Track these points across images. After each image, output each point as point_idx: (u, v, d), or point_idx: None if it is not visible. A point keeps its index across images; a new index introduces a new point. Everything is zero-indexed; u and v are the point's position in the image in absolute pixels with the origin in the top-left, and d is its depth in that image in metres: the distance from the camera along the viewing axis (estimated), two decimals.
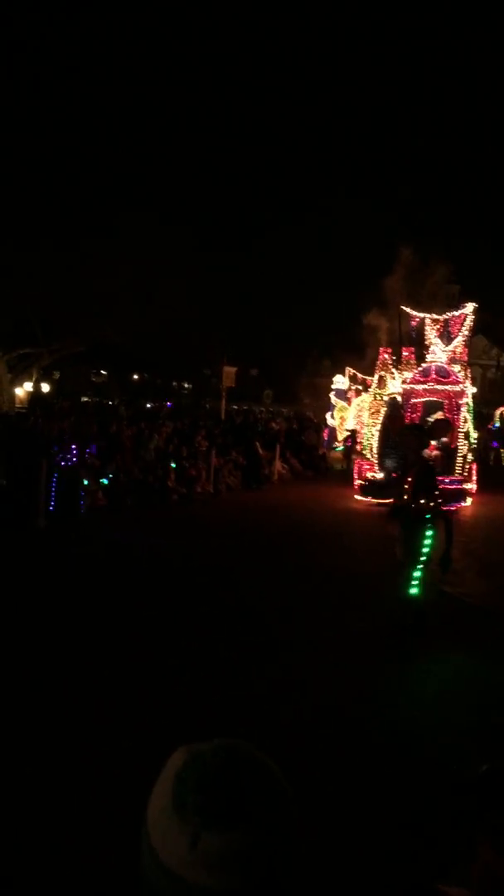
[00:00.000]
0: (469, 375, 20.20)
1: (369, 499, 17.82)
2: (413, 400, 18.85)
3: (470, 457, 19.63)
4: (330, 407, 28.05)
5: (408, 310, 20.56)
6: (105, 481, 15.09)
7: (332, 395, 28.22)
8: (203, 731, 1.10)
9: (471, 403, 20.04)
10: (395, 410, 18.83)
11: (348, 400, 25.45)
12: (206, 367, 42.23)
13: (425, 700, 6.29)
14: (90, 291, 26.93)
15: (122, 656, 6.94)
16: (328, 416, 28.25)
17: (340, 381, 26.95)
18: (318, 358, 48.76)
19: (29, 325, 29.48)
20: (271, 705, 5.91)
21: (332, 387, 28.35)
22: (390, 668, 6.93)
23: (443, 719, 5.81)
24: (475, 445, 20.79)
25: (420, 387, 18.87)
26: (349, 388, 25.97)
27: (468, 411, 19.47)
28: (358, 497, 18.26)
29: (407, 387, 19.02)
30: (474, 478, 19.80)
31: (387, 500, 16.74)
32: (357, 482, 18.80)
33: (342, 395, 26.56)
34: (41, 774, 4.71)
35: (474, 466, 19.68)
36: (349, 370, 26.49)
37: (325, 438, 27.43)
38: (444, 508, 16.62)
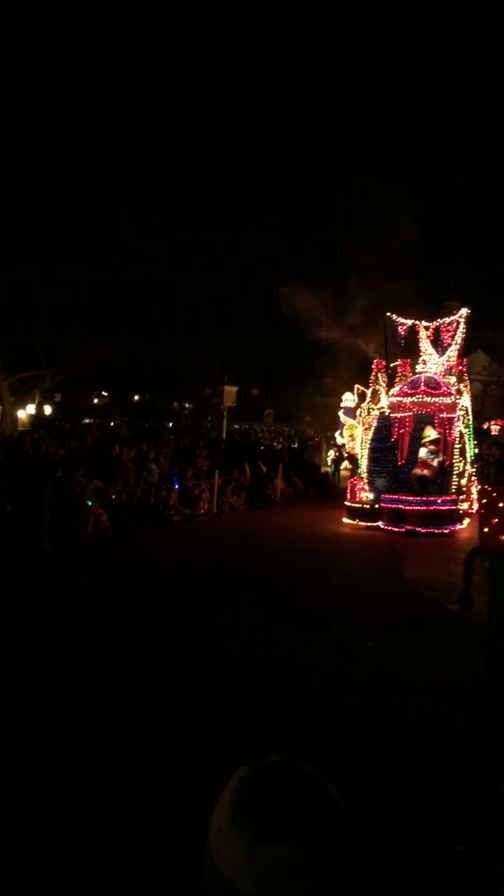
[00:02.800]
0: (468, 388, 19.18)
1: (356, 522, 17.13)
2: (400, 414, 17.43)
3: (469, 474, 18.83)
4: (339, 425, 28.10)
5: (394, 317, 19.36)
6: (99, 503, 15.06)
7: (340, 413, 28.21)
8: (206, 747, 1.12)
9: (470, 418, 19.21)
10: (384, 426, 17.76)
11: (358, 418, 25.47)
12: (206, 386, 42.34)
13: (434, 706, 6.27)
14: (92, 314, 27.08)
15: (122, 679, 6.92)
16: (337, 434, 28.29)
17: (349, 399, 26.79)
18: (319, 377, 48.95)
19: (31, 348, 29.64)
20: (277, 719, 5.89)
21: (342, 405, 28.29)
22: (399, 684, 6.92)
23: (456, 727, 5.79)
24: (473, 462, 19.87)
25: (408, 399, 17.37)
26: (358, 406, 25.95)
27: (466, 425, 18.42)
28: (346, 520, 17.37)
29: (394, 400, 17.59)
30: (474, 497, 18.59)
31: (374, 524, 16.73)
32: (346, 504, 17.78)
33: (351, 412, 26.46)
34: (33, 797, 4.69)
35: (473, 485, 18.71)
36: (358, 387, 26.37)
37: (335, 457, 27.51)
38: (436, 531, 16.28)
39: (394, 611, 9.91)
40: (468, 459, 18.84)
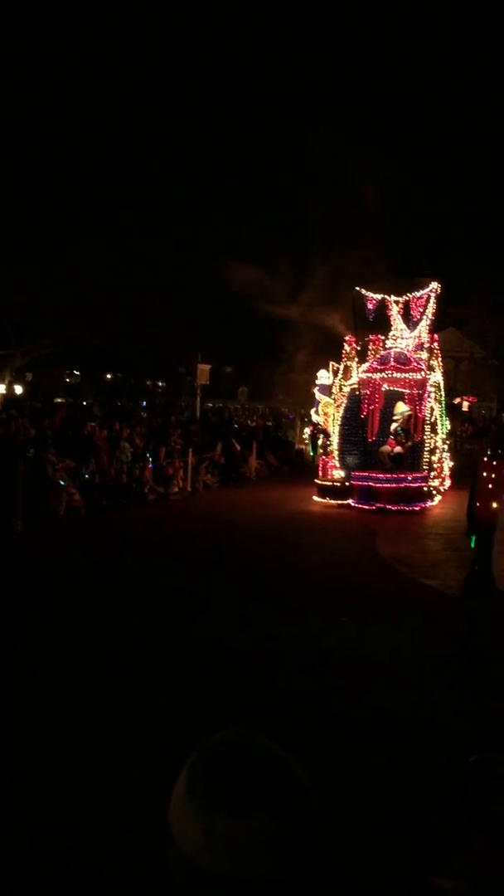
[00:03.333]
0: (440, 363, 18.85)
1: (327, 500, 16.78)
2: (370, 390, 17.28)
3: (443, 451, 18.59)
4: (314, 403, 28.05)
5: (363, 291, 18.85)
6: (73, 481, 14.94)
7: (315, 390, 28.16)
8: (174, 728, 1.08)
9: (442, 394, 18.99)
10: (354, 403, 17.45)
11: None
12: (179, 365, 42.12)
13: (413, 686, 6.30)
14: (63, 292, 26.78)
15: (95, 658, 6.88)
16: (312, 412, 28.24)
17: (325, 377, 26.69)
18: (292, 354, 48.83)
19: (1, 327, 29.27)
20: (257, 701, 5.89)
21: (317, 382, 28.22)
22: (372, 659, 6.95)
23: (432, 707, 5.82)
24: (445, 438, 19.52)
25: (377, 375, 17.18)
26: (333, 384, 25.79)
27: (438, 400, 18.09)
28: (316, 499, 17.02)
29: (364, 376, 17.37)
30: (446, 474, 18.78)
31: (345, 502, 16.30)
32: (316, 482, 17.40)
33: (326, 390, 26.33)
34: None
35: (445, 462, 18.56)
36: (333, 364, 26.21)
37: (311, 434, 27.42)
38: (406, 509, 15.69)
39: (368, 587, 9.95)
40: (441, 436, 18.56)
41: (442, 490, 17.66)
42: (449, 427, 20.55)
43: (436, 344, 18.59)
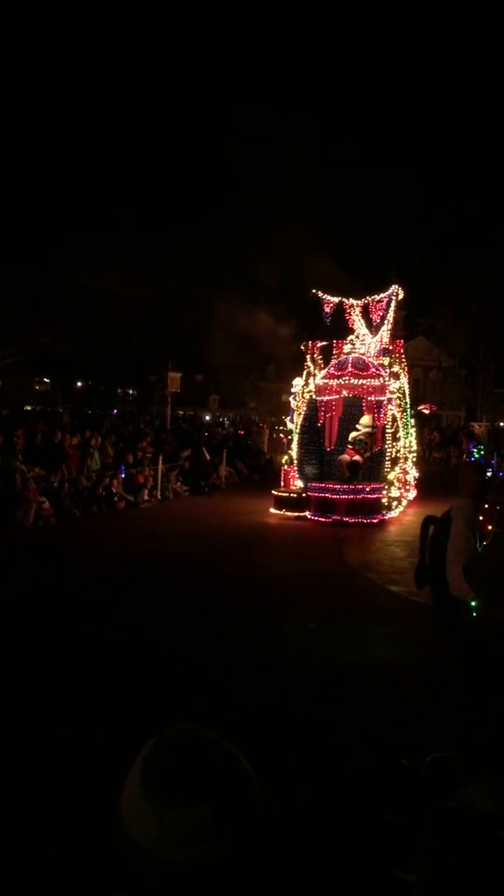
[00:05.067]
0: (405, 370, 18.38)
1: (283, 512, 16.00)
2: (327, 397, 16.56)
3: (407, 460, 18.01)
4: (289, 411, 28.12)
5: (320, 294, 18.19)
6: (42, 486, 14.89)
7: (291, 399, 28.20)
8: (138, 733, 1.17)
9: (407, 401, 18.53)
10: (313, 411, 16.81)
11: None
12: (150, 373, 42.06)
13: (379, 690, 6.41)
14: (33, 300, 26.67)
15: (62, 666, 6.91)
16: (287, 420, 28.28)
17: (299, 385, 26.77)
18: (263, 362, 48.95)
19: None
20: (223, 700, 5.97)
21: (292, 390, 28.28)
22: (339, 664, 7.05)
23: (398, 710, 5.94)
24: (411, 448, 18.86)
25: (334, 382, 16.48)
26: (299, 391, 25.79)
27: (403, 407, 17.59)
28: (273, 510, 16.22)
29: (321, 382, 16.68)
30: (411, 483, 18.27)
31: (302, 514, 15.55)
32: (273, 493, 16.60)
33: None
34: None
35: (407, 472, 17.80)
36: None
37: (285, 443, 27.51)
38: (364, 521, 15.03)
39: (335, 593, 10.06)
40: (408, 444, 18.17)
41: (404, 501, 17.19)
42: (415, 435, 20.01)
43: (401, 350, 18.11)
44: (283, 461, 17.39)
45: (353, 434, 16.36)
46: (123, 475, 17.11)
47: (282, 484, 16.97)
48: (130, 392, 56.17)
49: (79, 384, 54.85)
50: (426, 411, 37.58)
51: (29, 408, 38.22)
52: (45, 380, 53.22)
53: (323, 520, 15.53)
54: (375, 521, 15.39)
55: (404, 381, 18.10)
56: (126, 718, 5.54)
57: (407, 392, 18.59)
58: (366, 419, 16.40)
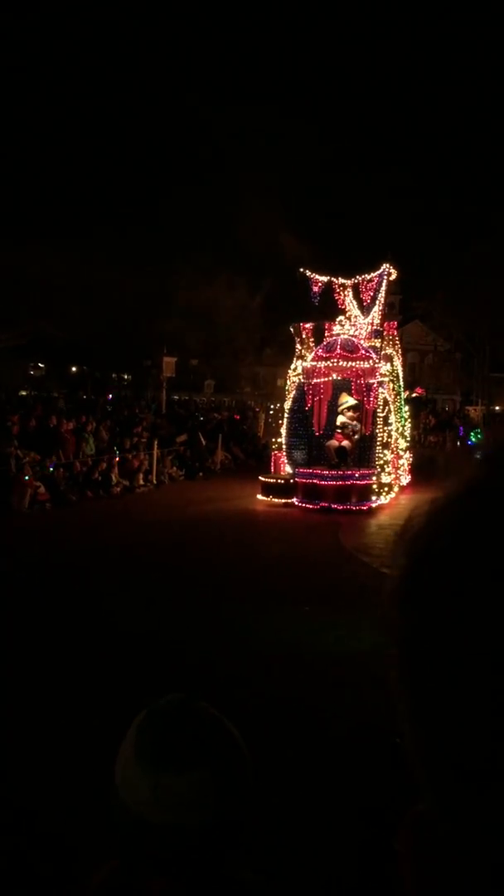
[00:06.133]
0: (399, 352, 17.98)
1: (270, 498, 15.69)
2: (315, 380, 15.98)
3: (401, 445, 17.75)
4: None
5: (308, 273, 17.60)
6: (37, 470, 14.81)
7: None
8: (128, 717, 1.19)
9: (401, 384, 18.24)
10: (302, 395, 16.30)
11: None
12: (145, 357, 42.00)
13: (374, 674, 6.44)
14: (27, 284, 26.59)
15: (63, 651, 6.93)
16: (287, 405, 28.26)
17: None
18: (260, 347, 48.83)
19: None
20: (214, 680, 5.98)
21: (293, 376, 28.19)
22: (336, 646, 7.08)
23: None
24: (402, 432, 18.37)
25: (322, 364, 15.88)
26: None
27: (395, 391, 17.20)
28: (260, 497, 15.87)
29: (308, 364, 16.09)
30: (405, 468, 17.90)
31: (290, 500, 15.20)
32: (260, 479, 16.27)
33: None
34: None
35: (400, 457, 17.42)
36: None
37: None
38: (353, 508, 14.59)
39: (331, 576, 10.09)
40: (400, 428, 17.85)
41: (397, 486, 16.84)
42: (408, 419, 19.63)
43: (394, 331, 17.71)
44: (273, 446, 17.04)
45: (339, 419, 15.94)
46: (118, 459, 17.08)
47: (272, 469, 16.59)
48: (125, 377, 56.08)
49: (73, 369, 54.76)
50: (415, 395, 37.61)
51: (24, 393, 38.17)
52: (40, 365, 53.12)
53: (310, 507, 15.15)
54: (364, 507, 15.03)
55: (398, 363, 17.77)
56: (119, 703, 5.55)
57: (401, 375, 18.25)
58: (344, 398, 15.90)
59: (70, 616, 8.00)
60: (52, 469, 15.18)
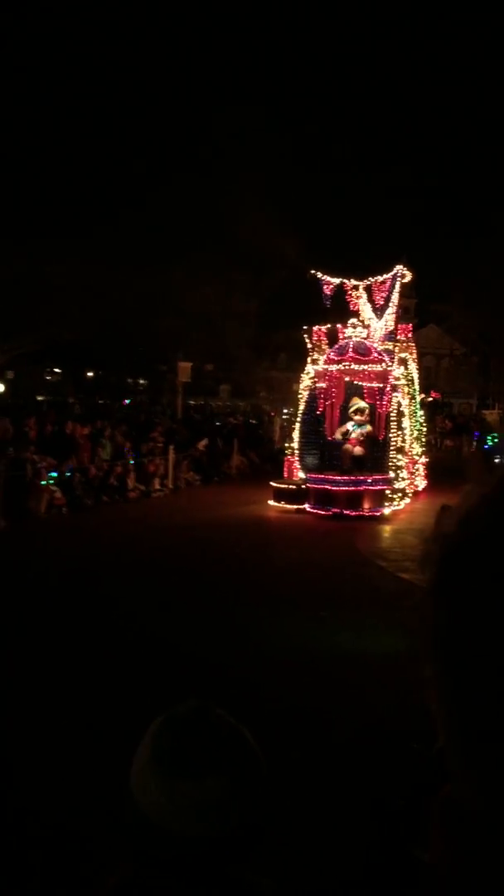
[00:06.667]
0: (414, 355, 17.63)
1: (282, 504, 15.32)
2: (326, 384, 15.72)
3: (416, 450, 17.40)
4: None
5: (319, 275, 17.18)
6: (54, 474, 14.76)
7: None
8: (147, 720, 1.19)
9: (416, 388, 17.93)
10: (314, 399, 15.99)
11: None
12: (160, 362, 42.11)
13: (391, 678, 6.41)
14: (43, 290, 26.70)
15: (81, 656, 6.95)
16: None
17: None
18: (275, 351, 48.76)
19: None
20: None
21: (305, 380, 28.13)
22: (351, 652, 7.06)
23: (410, 698, 5.93)
24: (417, 437, 17.95)
25: (334, 367, 15.60)
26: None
27: (410, 395, 16.85)
28: (271, 503, 15.53)
29: (320, 368, 15.86)
30: (420, 473, 17.63)
31: (302, 506, 14.80)
32: (272, 484, 15.94)
33: None
34: None
35: (415, 462, 17.09)
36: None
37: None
38: (366, 515, 14.25)
39: (347, 581, 10.06)
40: (416, 433, 17.59)
41: (410, 492, 16.44)
42: (423, 424, 19.22)
43: (409, 334, 17.40)
44: (286, 451, 16.79)
45: (349, 424, 15.50)
46: (133, 462, 17.09)
47: (285, 474, 16.21)
48: (141, 382, 56.25)
49: (89, 374, 54.98)
50: (430, 399, 37.52)
51: (41, 398, 38.39)
52: (56, 370, 53.39)
53: (322, 512, 14.81)
54: (377, 514, 14.72)
55: (413, 367, 17.47)
56: (132, 706, 5.56)
57: (416, 379, 17.96)
58: (356, 402, 15.53)
59: (85, 620, 8.02)
60: (68, 474, 15.24)
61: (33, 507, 13.77)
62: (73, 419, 19.42)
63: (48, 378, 52.79)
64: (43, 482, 14.09)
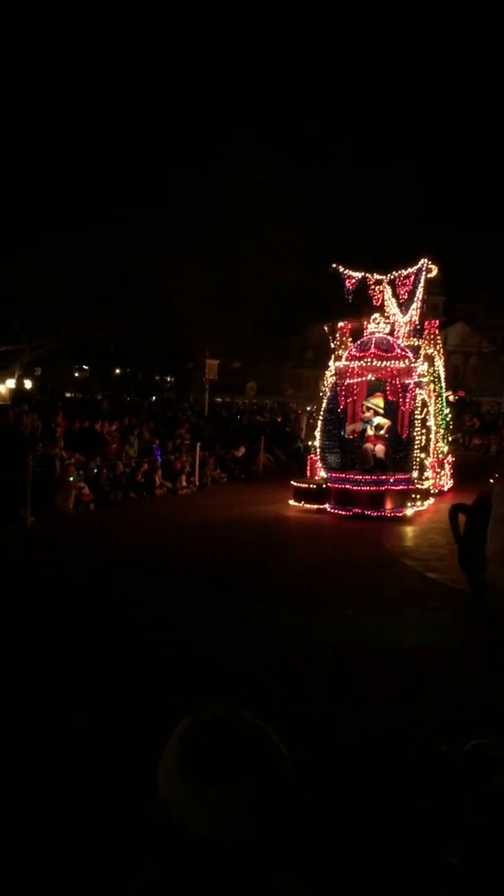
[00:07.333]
0: (440, 352, 17.18)
1: (303, 504, 15.04)
2: (348, 380, 15.40)
3: (441, 450, 17.09)
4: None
5: (341, 268, 16.82)
6: (80, 473, 14.86)
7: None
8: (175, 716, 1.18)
9: (442, 385, 17.57)
10: (336, 396, 15.65)
11: None
12: (188, 360, 42.24)
13: (417, 678, 6.38)
14: (71, 288, 26.93)
15: (99, 653, 6.98)
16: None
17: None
18: (301, 349, 48.76)
19: (10, 322, 29.42)
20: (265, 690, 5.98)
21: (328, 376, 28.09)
22: (377, 651, 7.03)
23: (437, 697, 5.91)
24: (444, 435, 17.63)
25: (355, 364, 15.22)
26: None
27: (436, 392, 16.46)
28: (292, 503, 15.26)
29: (342, 364, 15.47)
30: (447, 472, 17.33)
31: (322, 506, 14.48)
32: (292, 483, 15.61)
33: None
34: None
35: (439, 462, 16.76)
36: None
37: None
38: (388, 515, 13.85)
39: (374, 580, 10.02)
40: (442, 432, 17.29)
41: (435, 492, 16.11)
42: (450, 422, 18.85)
43: (436, 330, 16.95)
44: (309, 449, 16.40)
45: (361, 423, 15.16)
46: (160, 460, 17.14)
47: (307, 473, 15.91)
48: (168, 379, 56.47)
49: (117, 371, 55.31)
50: (453, 397, 37.29)
51: (69, 395, 38.68)
52: (84, 367, 53.77)
53: (343, 513, 14.49)
54: (400, 514, 14.36)
55: (439, 364, 17.09)
56: (158, 706, 5.59)
57: (442, 376, 17.63)
58: (375, 398, 15.22)
59: (110, 616, 8.05)
60: (95, 470, 15.32)
61: (61, 503, 13.86)
62: (101, 416, 19.51)
63: (76, 375, 53.19)
64: (71, 478, 14.19)
